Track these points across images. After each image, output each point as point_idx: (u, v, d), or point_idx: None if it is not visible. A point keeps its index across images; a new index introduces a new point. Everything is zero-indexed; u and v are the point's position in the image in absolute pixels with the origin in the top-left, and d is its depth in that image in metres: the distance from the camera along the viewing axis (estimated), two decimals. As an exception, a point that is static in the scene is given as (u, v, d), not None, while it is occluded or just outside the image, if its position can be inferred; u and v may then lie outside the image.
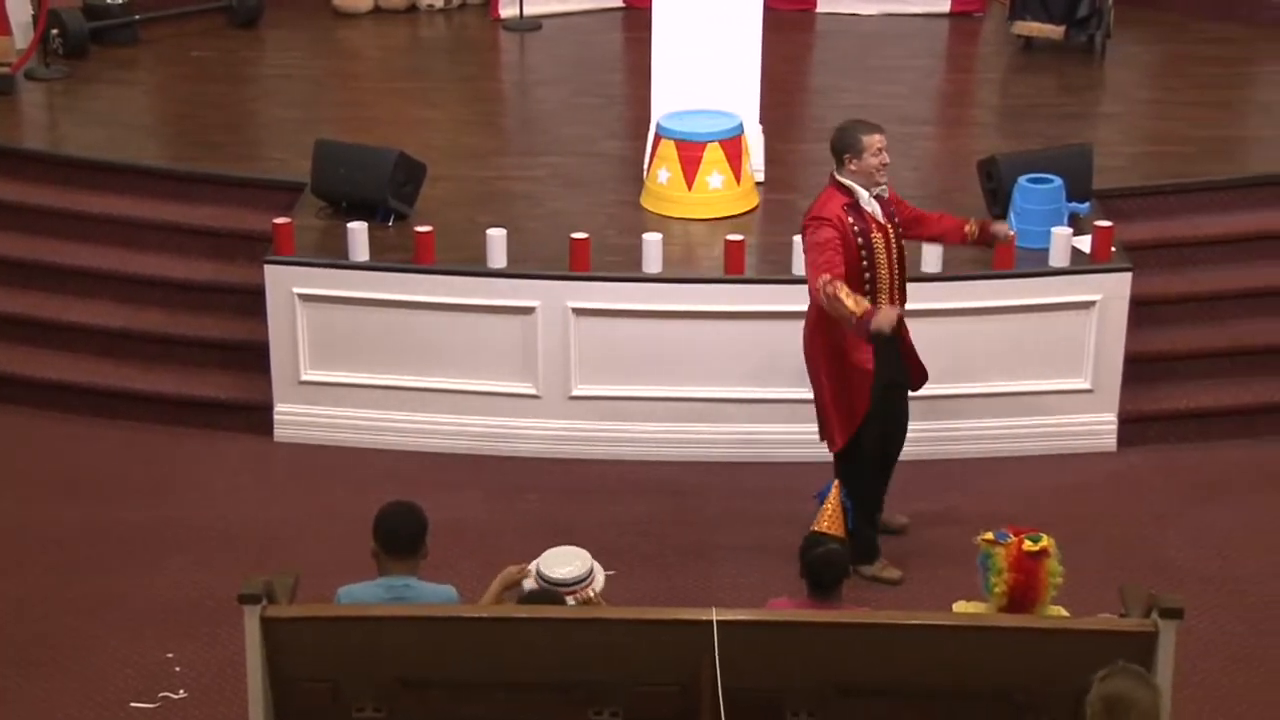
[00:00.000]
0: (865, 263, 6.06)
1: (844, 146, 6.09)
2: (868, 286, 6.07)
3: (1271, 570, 6.53)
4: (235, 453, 7.42)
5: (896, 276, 6.16)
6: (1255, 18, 10.30)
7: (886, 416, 6.28)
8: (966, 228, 6.39)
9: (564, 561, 5.10)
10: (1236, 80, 9.56)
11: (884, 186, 6.15)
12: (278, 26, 10.70)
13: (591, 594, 5.07)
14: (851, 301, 5.85)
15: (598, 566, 5.19)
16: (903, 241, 6.21)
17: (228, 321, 7.81)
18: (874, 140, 6.06)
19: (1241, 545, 6.70)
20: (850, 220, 6.04)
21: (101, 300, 8.00)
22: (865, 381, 6.13)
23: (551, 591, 5.01)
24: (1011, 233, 6.68)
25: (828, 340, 6.15)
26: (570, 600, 4.98)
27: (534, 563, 5.15)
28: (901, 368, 6.30)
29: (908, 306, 6.64)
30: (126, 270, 8.02)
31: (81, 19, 9.95)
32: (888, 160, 6.11)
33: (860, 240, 6.05)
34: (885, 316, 5.85)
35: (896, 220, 6.20)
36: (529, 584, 5.09)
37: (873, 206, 6.10)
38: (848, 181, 6.08)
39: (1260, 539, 6.74)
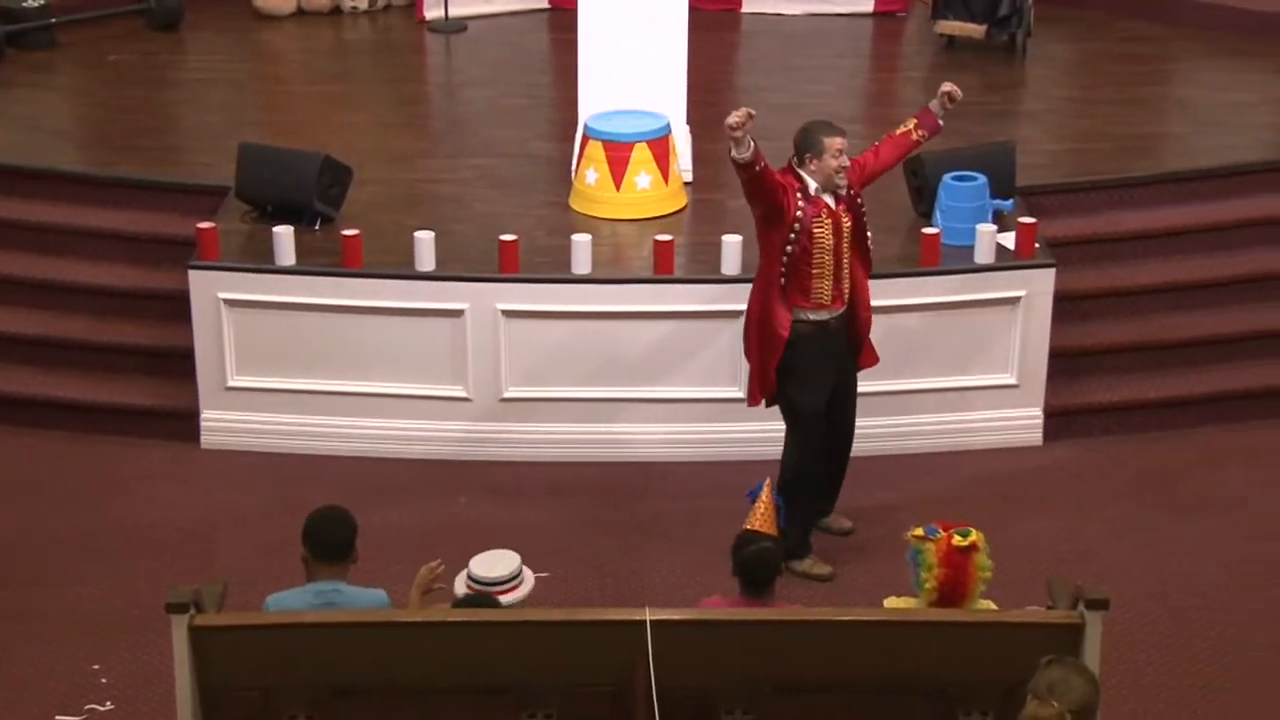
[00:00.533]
0: (794, 236, 6.13)
1: (805, 146, 6.19)
2: (803, 269, 6.17)
3: (1193, 560, 6.64)
4: (161, 460, 7.34)
5: (845, 264, 6.22)
6: (1173, 17, 10.46)
7: (831, 405, 6.37)
8: (913, 135, 6.40)
9: (493, 563, 5.10)
10: (1154, 78, 9.71)
11: (842, 189, 6.21)
12: (198, 29, 10.58)
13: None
14: (742, 144, 5.91)
15: (527, 570, 5.19)
16: (856, 228, 6.24)
17: (152, 328, 7.71)
18: (835, 143, 6.15)
19: (1164, 536, 6.80)
20: (799, 198, 6.14)
21: (21, 307, 7.87)
22: (778, 345, 6.22)
23: (484, 595, 5.00)
24: (949, 88, 6.39)
25: (757, 305, 6.29)
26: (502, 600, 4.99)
27: (463, 571, 5.16)
28: (843, 356, 6.36)
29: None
30: (47, 277, 7.90)
31: (-3, 22, 9.80)
32: (847, 164, 6.17)
33: (798, 225, 6.13)
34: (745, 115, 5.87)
35: (861, 208, 6.26)
36: (460, 588, 5.09)
37: (828, 198, 6.20)
38: (804, 175, 6.18)
39: (1182, 529, 6.84)
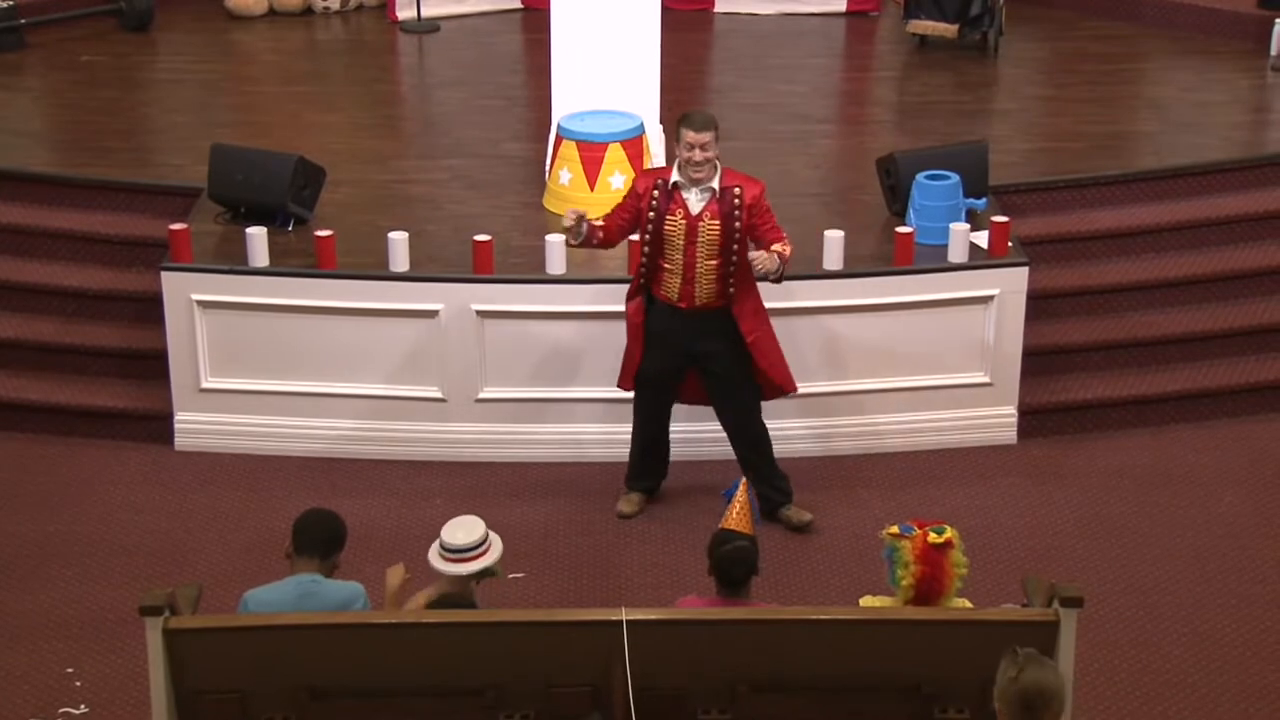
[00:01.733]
0: (649, 237, 6.32)
1: (675, 132, 6.35)
2: (654, 262, 6.37)
3: (1167, 556, 6.67)
4: (135, 463, 7.30)
5: (697, 265, 6.31)
6: (1141, 15, 10.54)
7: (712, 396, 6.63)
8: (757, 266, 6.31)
9: (461, 529, 5.12)
10: (1124, 77, 9.76)
11: (704, 184, 6.27)
12: (169, 30, 10.53)
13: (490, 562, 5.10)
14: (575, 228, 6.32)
15: (495, 536, 5.19)
16: (734, 241, 6.28)
17: (125, 330, 7.67)
18: (689, 136, 6.25)
19: (1137, 533, 6.84)
20: (655, 194, 6.29)
21: (-8, 310, 7.83)
22: (635, 336, 6.53)
23: (461, 595, 5.00)
24: (762, 260, 6.23)
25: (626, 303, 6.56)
26: (472, 565, 5.03)
27: (435, 543, 5.17)
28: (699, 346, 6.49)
29: (809, 303, 6.88)
30: (18, 279, 7.85)
31: (-34, 23, 9.74)
32: (698, 159, 6.23)
33: (653, 215, 6.29)
34: (574, 212, 6.30)
35: (736, 224, 6.26)
36: (436, 560, 5.08)
37: (690, 195, 6.29)
38: (676, 165, 6.33)
39: (1155, 526, 6.88)
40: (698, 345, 6.49)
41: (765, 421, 6.72)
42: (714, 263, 6.33)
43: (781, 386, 6.61)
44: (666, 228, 6.31)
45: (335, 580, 4.97)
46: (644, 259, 6.39)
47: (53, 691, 5.85)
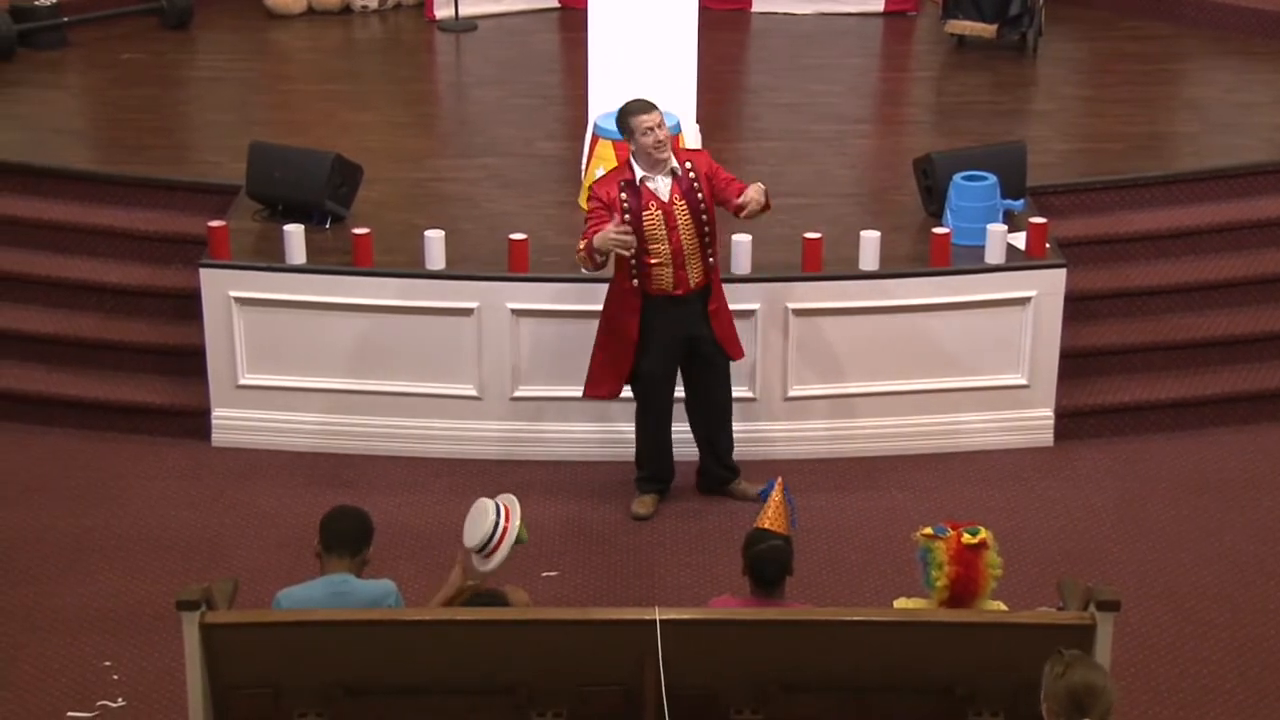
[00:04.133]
0: (634, 237, 6.32)
1: (621, 130, 6.39)
2: (641, 260, 6.36)
3: (1204, 561, 6.62)
4: (173, 458, 7.35)
5: (684, 250, 6.37)
6: (1180, 15, 10.47)
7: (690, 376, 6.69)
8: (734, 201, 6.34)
9: (473, 526, 5.11)
10: (1163, 77, 9.70)
11: (667, 163, 6.32)
12: (209, 28, 10.60)
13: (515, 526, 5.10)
14: (585, 256, 6.31)
15: (504, 502, 5.17)
16: (703, 214, 6.36)
17: (163, 326, 7.73)
18: (641, 121, 6.30)
19: (1175, 537, 6.79)
20: (624, 196, 6.32)
21: (33, 306, 7.89)
22: (629, 348, 6.51)
23: (495, 593, 5.01)
24: (750, 195, 6.28)
25: (609, 302, 6.56)
26: (501, 552, 5.04)
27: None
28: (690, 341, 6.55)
29: (845, 304, 6.96)
30: (58, 275, 7.92)
31: (8, 21, 9.82)
32: (661, 138, 6.28)
33: (629, 217, 6.31)
34: (600, 236, 6.21)
35: (699, 196, 6.35)
36: (477, 564, 5.09)
37: (656, 184, 6.33)
38: (633, 161, 6.36)
39: (1193, 530, 6.83)
40: (694, 329, 6.54)
41: (800, 422, 6.71)
42: (695, 242, 6.38)
43: (733, 353, 6.68)
44: (646, 224, 6.33)
45: (366, 579, 4.98)
46: (633, 262, 6.38)
47: (91, 684, 5.89)
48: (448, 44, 10.51)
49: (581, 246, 6.33)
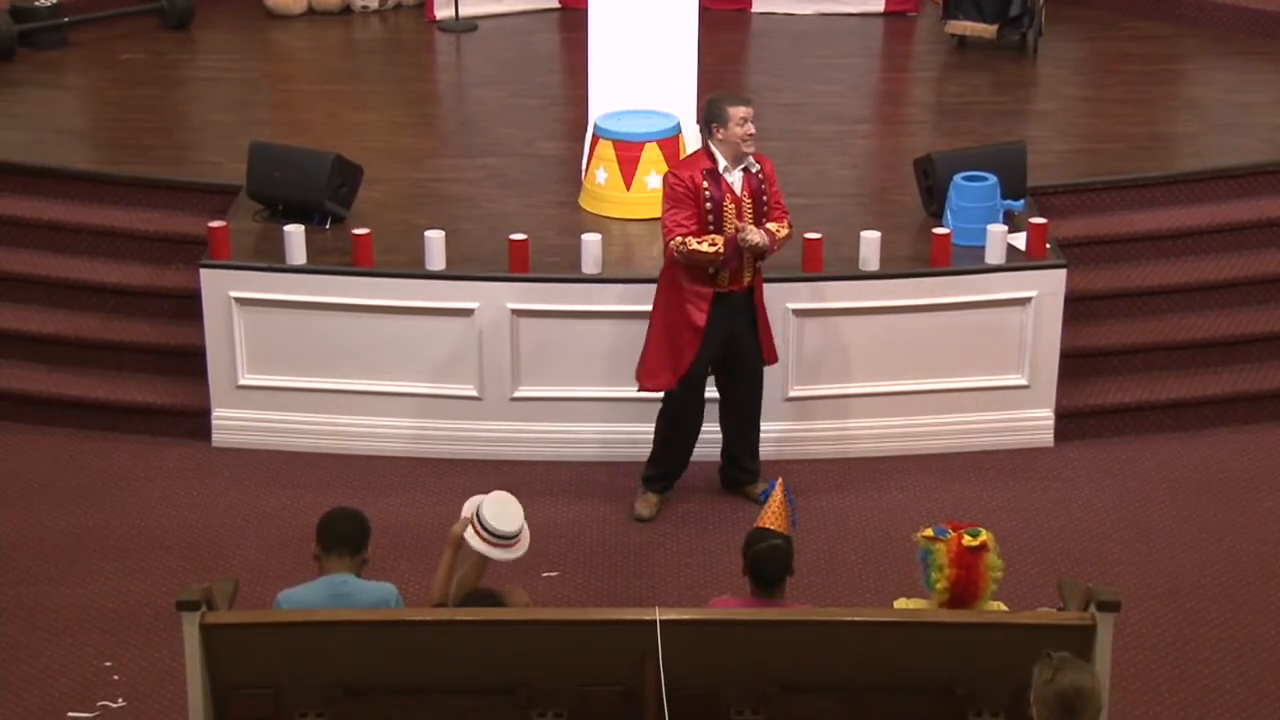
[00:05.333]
0: (711, 227, 6.35)
1: (711, 117, 6.38)
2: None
3: (1205, 562, 6.62)
4: (173, 458, 7.35)
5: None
6: (1181, 15, 10.46)
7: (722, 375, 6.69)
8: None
9: (508, 517, 5.13)
10: (1164, 77, 9.70)
11: (750, 159, 6.38)
12: (210, 28, 10.59)
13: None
14: (707, 244, 6.31)
15: (526, 529, 5.19)
16: (764, 215, 6.42)
17: (163, 326, 7.73)
18: (738, 111, 6.33)
19: (1175, 537, 6.79)
20: (705, 184, 6.34)
21: (34, 306, 7.89)
22: (695, 337, 6.47)
23: (495, 593, 5.01)
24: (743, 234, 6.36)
25: (669, 292, 6.51)
26: (511, 553, 5.07)
27: (475, 504, 5.14)
28: (738, 340, 6.56)
29: (845, 304, 6.93)
30: (59, 275, 7.92)
31: (9, 21, 9.81)
32: (753, 131, 6.34)
33: (710, 205, 6.33)
34: (749, 233, 6.27)
35: (764, 197, 6.43)
36: (472, 539, 5.09)
37: (733, 177, 6.37)
38: (715, 150, 6.36)
39: (1193, 530, 6.83)
40: (738, 326, 6.56)
41: (801, 422, 6.72)
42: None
43: (769, 357, 6.69)
44: (724, 214, 6.36)
45: (367, 580, 4.98)
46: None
47: (91, 685, 5.89)
48: (448, 44, 10.51)
49: (698, 247, 6.27)
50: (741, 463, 6.91)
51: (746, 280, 6.49)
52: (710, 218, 6.36)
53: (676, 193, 6.37)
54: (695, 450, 6.94)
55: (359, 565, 5.01)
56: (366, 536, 5.06)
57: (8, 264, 7.99)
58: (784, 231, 6.48)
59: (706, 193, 6.34)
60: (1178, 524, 6.87)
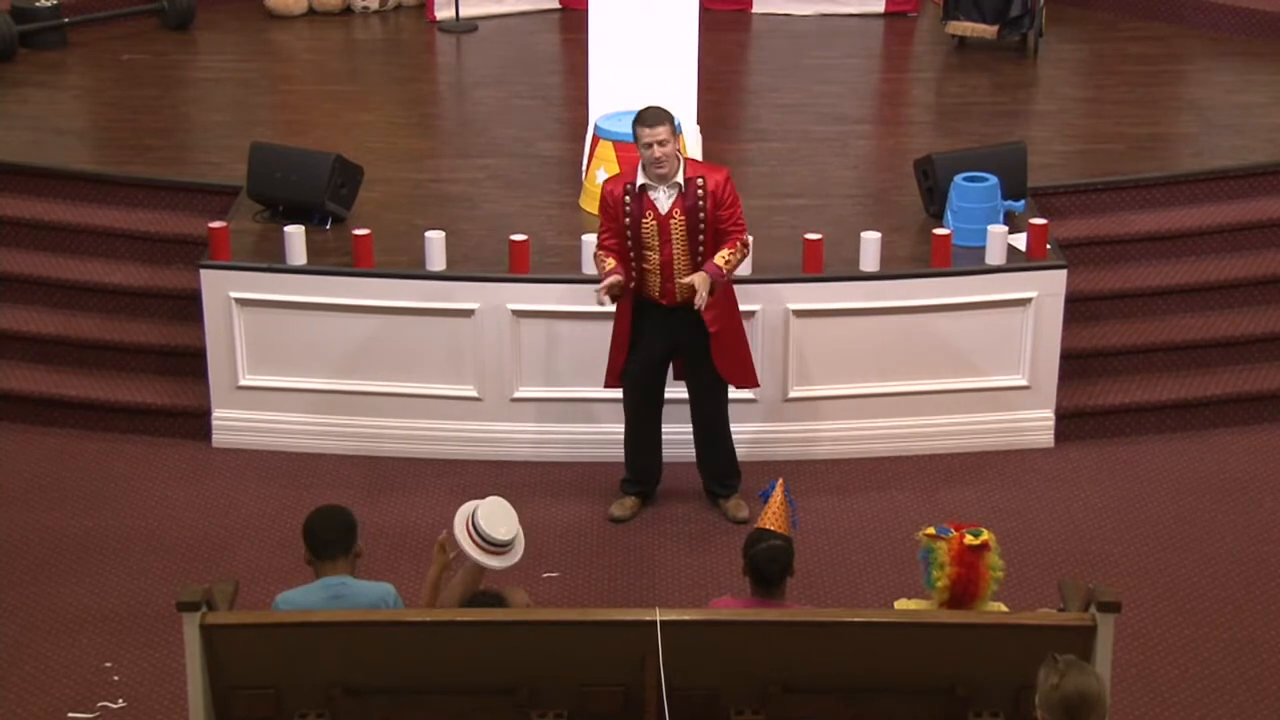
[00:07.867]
0: (630, 241, 6.36)
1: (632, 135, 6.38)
2: (638, 264, 6.38)
3: (1206, 562, 6.62)
4: (173, 459, 7.35)
5: (675, 263, 6.35)
6: (1181, 16, 10.47)
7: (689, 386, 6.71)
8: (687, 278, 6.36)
9: (501, 523, 5.10)
10: (1165, 78, 9.70)
11: (669, 178, 6.30)
12: (210, 29, 10.60)
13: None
14: (597, 266, 6.40)
15: (520, 535, 5.17)
16: (700, 233, 6.33)
17: (164, 327, 7.73)
18: (643, 134, 6.30)
19: (1175, 537, 6.79)
20: (626, 199, 6.33)
21: (34, 306, 7.89)
22: (622, 340, 6.56)
23: (495, 593, 5.01)
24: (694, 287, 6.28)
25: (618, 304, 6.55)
26: (505, 560, 5.04)
27: (469, 510, 5.12)
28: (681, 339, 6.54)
29: (845, 304, 6.92)
30: (59, 276, 7.92)
31: (10, 22, 9.82)
32: (658, 155, 6.25)
33: (629, 220, 6.33)
34: (609, 284, 6.23)
35: (701, 215, 6.31)
36: (466, 545, 5.06)
37: (658, 194, 6.33)
38: (641, 166, 6.37)
39: (1193, 531, 6.83)
40: (680, 339, 6.56)
41: (801, 423, 6.71)
42: (687, 258, 6.38)
43: (732, 380, 6.65)
44: (642, 231, 6.35)
45: (365, 581, 4.96)
46: (633, 264, 6.40)
47: (91, 685, 5.90)
48: (448, 45, 10.51)
49: (597, 255, 6.42)
50: (712, 474, 6.89)
51: (682, 296, 6.37)
52: (628, 233, 6.35)
53: (604, 202, 6.42)
54: (692, 449, 6.93)
55: (353, 562, 4.98)
56: (354, 533, 5.00)
57: (8, 264, 8.00)
58: (735, 257, 6.36)
59: (626, 208, 6.33)
60: (1178, 524, 6.87)
